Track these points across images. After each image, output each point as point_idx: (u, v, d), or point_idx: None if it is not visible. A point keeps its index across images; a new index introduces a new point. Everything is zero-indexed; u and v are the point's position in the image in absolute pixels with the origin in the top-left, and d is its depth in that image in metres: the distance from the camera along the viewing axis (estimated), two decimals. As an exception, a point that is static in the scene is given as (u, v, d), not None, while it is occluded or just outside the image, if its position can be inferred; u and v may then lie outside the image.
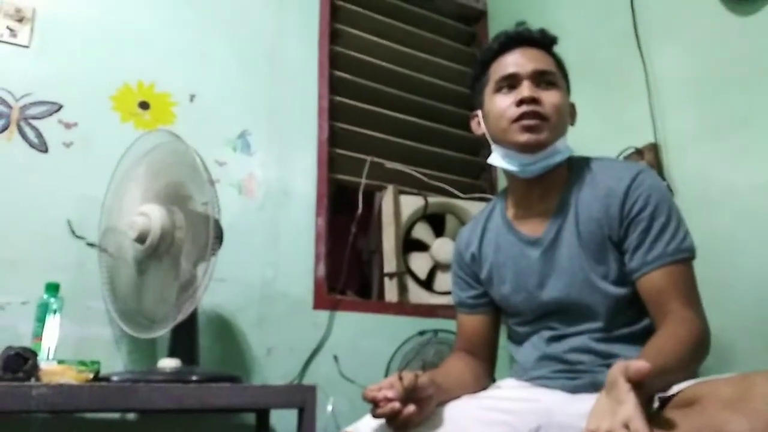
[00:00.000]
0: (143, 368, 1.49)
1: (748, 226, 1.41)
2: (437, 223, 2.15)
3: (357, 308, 1.91)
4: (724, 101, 1.52)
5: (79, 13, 1.71)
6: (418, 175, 2.15)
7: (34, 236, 1.51)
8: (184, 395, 1.21)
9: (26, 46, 1.62)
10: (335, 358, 1.79)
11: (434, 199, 2.13)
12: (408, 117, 2.20)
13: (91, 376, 1.23)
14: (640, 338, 1.02)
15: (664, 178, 1.60)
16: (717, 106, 1.54)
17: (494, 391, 1.12)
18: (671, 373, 0.85)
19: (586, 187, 1.10)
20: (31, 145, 1.57)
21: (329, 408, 1.70)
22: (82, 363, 1.26)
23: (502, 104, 1.11)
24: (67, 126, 1.62)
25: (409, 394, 0.92)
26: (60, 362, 1.25)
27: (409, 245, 2.09)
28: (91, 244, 1.56)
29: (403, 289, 2.01)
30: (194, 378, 1.29)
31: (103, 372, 1.31)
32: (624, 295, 1.04)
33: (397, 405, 0.90)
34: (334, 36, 2.15)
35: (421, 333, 1.87)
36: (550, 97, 1.09)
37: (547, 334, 1.10)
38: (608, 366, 0.99)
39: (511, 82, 1.11)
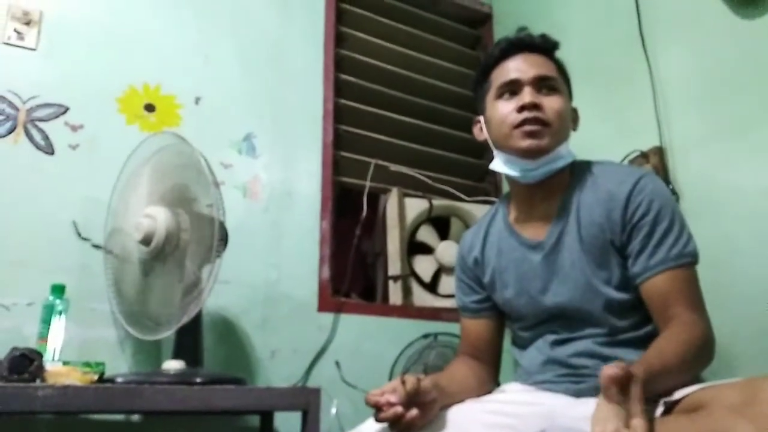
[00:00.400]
0: (148, 370, 1.49)
1: (754, 229, 1.40)
2: (442, 226, 2.15)
3: (361, 311, 1.91)
4: (730, 104, 1.52)
5: (85, 16, 1.72)
6: (423, 178, 2.15)
7: (39, 238, 1.52)
8: (189, 397, 1.21)
9: (33, 49, 1.63)
10: (337, 364, 1.79)
11: (439, 202, 2.13)
12: (413, 120, 2.20)
13: (96, 377, 1.24)
14: (644, 342, 1.01)
15: (669, 182, 1.60)
16: (722, 109, 1.53)
17: (498, 395, 1.11)
18: (672, 374, 0.84)
19: (587, 191, 1.09)
20: (38, 147, 1.58)
21: (333, 411, 1.70)
22: (87, 364, 1.27)
23: (503, 110, 1.11)
24: (74, 128, 1.63)
25: (412, 398, 0.91)
26: (65, 363, 1.26)
27: (414, 248, 2.09)
28: (96, 246, 1.56)
29: (407, 291, 2.01)
30: (198, 380, 1.29)
31: (108, 373, 1.31)
32: (627, 300, 1.03)
33: (399, 409, 0.89)
34: (339, 39, 2.16)
35: (425, 336, 1.86)
36: (551, 103, 1.09)
37: (551, 338, 1.09)
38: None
39: (512, 88, 1.11)
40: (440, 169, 2.22)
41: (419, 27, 2.35)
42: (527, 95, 1.08)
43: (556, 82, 1.12)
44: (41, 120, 1.60)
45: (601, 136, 1.77)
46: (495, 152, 1.16)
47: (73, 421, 1.45)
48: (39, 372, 1.16)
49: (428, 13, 2.41)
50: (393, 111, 2.17)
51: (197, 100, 1.82)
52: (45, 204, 1.54)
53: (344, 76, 2.12)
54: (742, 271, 1.40)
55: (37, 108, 1.60)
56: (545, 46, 1.15)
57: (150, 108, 1.76)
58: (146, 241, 1.38)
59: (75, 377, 1.20)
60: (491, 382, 1.20)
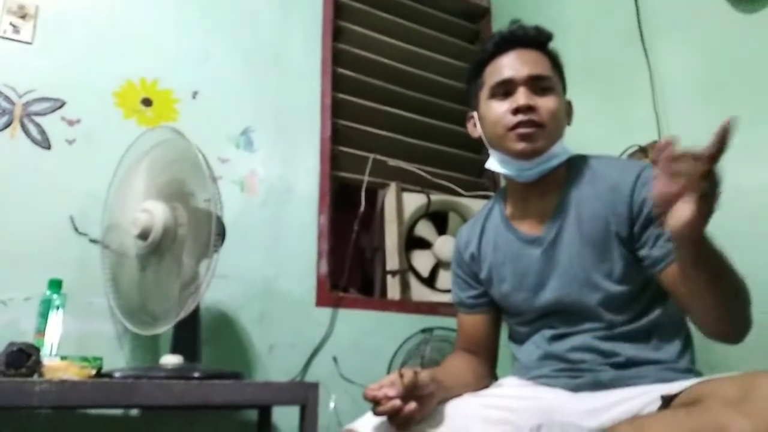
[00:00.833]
0: (145, 364, 1.49)
1: (754, 227, 1.40)
2: (440, 220, 2.15)
3: (359, 306, 1.91)
4: (730, 100, 1.51)
5: (81, 9, 1.71)
6: (421, 173, 2.14)
7: (36, 232, 1.51)
8: (187, 392, 1.21)
9: (29, 43, 1.62)
10: (334, 359, 1.79)
11: (437, 197, 2.13)
12: (411, 114, 2.20)
13: (94, 372, 1.24)
14: (642, 335, 1.01)
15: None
16: (722, 105, 1.53)
17: (496, 389, 1.12)
18: (725, 268, 0.84)
19: (586, 186, 1.09)
20: (34, 141, 1.57)
21: (331, 405, 1.70)
22: (85, 359, 1.27)
23: (497, 111, 1.10)
24: (70, 123, 1.62)
25: (410, 392, 0.92)
26: (63, 358, 1.26)
27: (412, 243, 2.09)
28: (93, 241, 1.56)
29: (405, 286, 2.01)
30: (196, 375, 1.29)
31: (106, 368, 1.31)
32: (625, 293, 1.03)
33: (397, 403, 0.90)
34: (337, 33, 2.15)
35: (423, 331, 1.87)
36: (546, 103, 1.08)
37: (548, 333, 1.09)
38: (610, 365, 1.00)
39: (506, 88, 1.10)
40: (438, 164, 2.21)
41: (417, 21, 2.34)
42: (521, 97, 1.07)
43: (550, 81, 1.10)
44: (38, 114, 1.59)
45: (600, 132, 1.77)
46: (490, 150, 1.16)
47: (71, 416, 1.45)
48: (36, 367, 1.16)
49: (427, 8, 2.40)
50: (391, 105, 2.17)
51: (194, 95, 1.82)
52: (42, 199, 1.54)
53: (342, 71, 2.11)
54: (742, 267, 1.39)
55: (34, 102, 1.59)
56: (539, 40, 1.13)
57: (147, 102, 1.75)
58: (143, 235, 1.38)
59: (73, 372, 1.19)
60: (488, 376, 1.20)
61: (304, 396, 1.33)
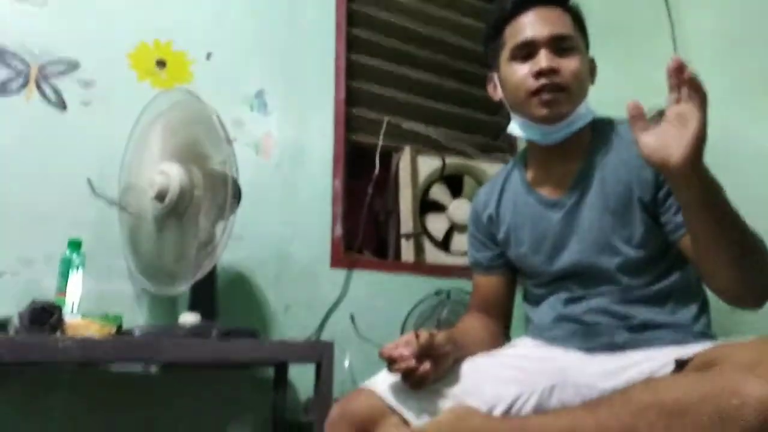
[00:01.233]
0: (164, 323, 1.52)
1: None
2: (455, 184, 2.14)
3: (373, 267, 1.92)
4: (754, 61, 1.47)
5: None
6: (436, 136, 2.12)
7: (56, 194, 1.53)
8: (205, 350, 1.24)
9: (43, 4, 1.61)
10: (352, 317, 1.81)
11: (452, 160, 2.11)
12: (426, 76, 2.17)
13: (114, 329, 1.26)
14: (658, 299, 1.01)
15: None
16: (746, 66, 1.49)
17: (510, 349, 1.13)
18: (729, 209, 0.84)
19: (611, 151, 1.08)
20: (50, 103, 1.57)
21: (346, 363, 1.73)
22: (105, 317, 1.29)
23: (519, 74, 1.07)
24: (85, 84, 1.62)
25: (425, 352, 0.93)
26: (83, 316, 1.28)
27: (426, 206, 2.09)
28: (111, 202, 1.57)
29: (419, 249, 2.02)
30: (214, 333, 1.31)
31: (125, 326, 1.34)
32: (644, 258, 1.03)
33: (413, 362, 0.91)
34: (351, -7, 2.11)
35: (437, 293, 1.88)
36: (568, 65, 1.05)
37: (564, 295, 1.10)
38: (625, 327, 1.00)
39: (527, 50, 1.07)
40: (454, 126, 2.19)
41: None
42: (543, 59, 1.04)
43: (573, 40, 1.07)
44: (53, 76, 1.59)
45: (622, 93, 1.72)
46: (511, 114, 1.14)
47: (92, 373, 1.49)
48: (59, 324, 1.18)
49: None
50: (406, 66, 2.14)
51: (209, 56, 1.80)
52: (60, 160, 1.55)
53: (356, 31, 2.08)
54: (764, 231, 1.38)
55: (49, 64, 1.58)
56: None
57: (161, 64, 1.74)
58: (160, 197, 1.38)
59: (93, 330, 1.22)
60: (502, 336, 1.21)
61: (319, 354, 1.35)
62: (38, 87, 1.57)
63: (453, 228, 2.09)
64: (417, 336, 0.93)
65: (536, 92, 1.05)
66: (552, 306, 1.11)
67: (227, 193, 1.33)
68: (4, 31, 1.55)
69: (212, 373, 1.62)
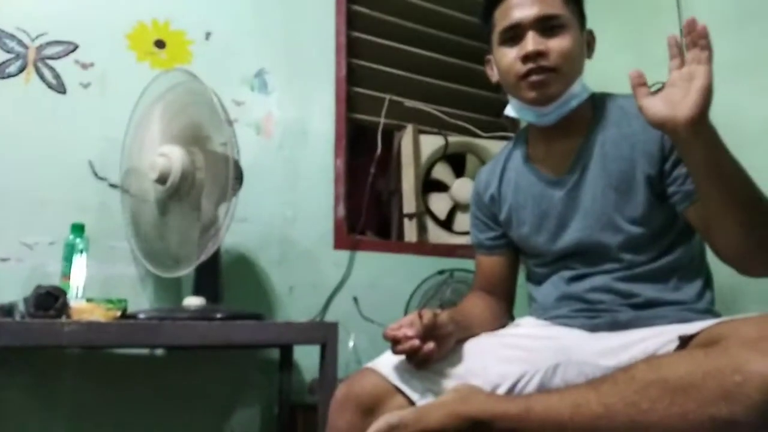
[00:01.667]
0: (169, 306, 1.53)
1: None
2: (457, 162, 2.13)
3: (377, 248, 1.92)
4: (759, 34, 1.45)
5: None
6: (439, 114, 2.11)
7: (57, 177, 1.53)
8: (210, 332, 1.25)
9: (39, -16, 1.59)
10: (355, 299, 1.82)
11: (455, 139, 2.10)
12: (428, 53, 2.14)
13: (119, 313, 1.27)
14: (660, 275, 1.01)
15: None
16: (751, 39, 1.47)
17: (513, 329, 1.13)
18: (735, 166, 0.84)
19: (613, 127, 1.06)
20: (50, 86, 1.56)
21: (350, 344, 1.74)
22: (110, 301, 1.30)
23: (508, 59, 1.07)
24: (84, 66, 1.61)
25: (429, 332, 0.93)
26: (88, 300, 1.29)
27: (429, 186, 2.08)
28: (113, 185, 1.57)
29: (422, 229, 2.01)
30: (219, 315, 1.32)
31: (130, 310, 1.34)
32: (646, 235, 1.02)
33: (416, 342, 0.91)
34: (351, -31, 2.08)
35: (440, 272, 1.88)
36: (557, 45, 1.03)
37: (567, 274, 1.09)
38: (629, 305, 1.00)
39: (515, 32, 1.05)
40: (456, 104, 2.17)
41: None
42: (530, 42, 1.03)
43: (561, 18, 1.04)
44: (51, 58, 1.57)
45: (625, 67, 1.70)
46: (508, 96, 1.13)
47: (98, 356, 1.50)
48: (64, 309, 1.19)
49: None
50: (407, 44, 2.11)
51: (207, 36, 1.78)
52: (60, 143, 1.54)
53: (357, 8, 2.05)
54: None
55: (47, 46, 1.57)
56: None
57: (160, 44, 1.72)
58: (162, 180, 1.38)
59: (99, 313, 1.23)
60: (505, 316, 1.21)
61: (323, 335, 1.35)
62: (36, 69, 1.55)
63: (456, 207, 2.09)
64: (420, 316, 0.93)
65: (524, 76, 1.04)
66: (555, 285, 1.11)
67: (229, 175, 1.32)
68: (0, 14, 1.53)
69: (218, 355, 1.64)
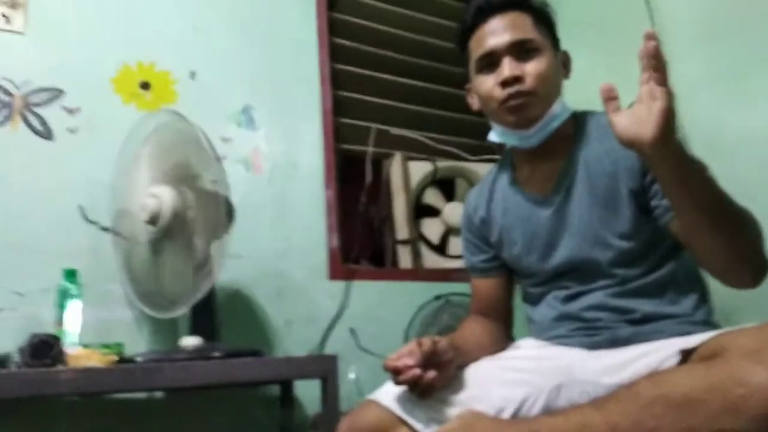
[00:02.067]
0: (166, 347, 1.51)
1: (762, 171, 1.39)
2: (447, 187, 2.15)
3: (372, 277, 1.92)
4: (733, 45, 1.49)
5: (71, -3, 1.69)
6: (425, 140, 2.13)
7: (48, 223, 1.52)
8: (208, 372, 1.23)
9: (21, 33, 1.60)
10: (352, 331, 1.81)
11: (443, 164, 2.12)
12: (412, 81, 2.17)
13: (116, 358, 1.26)
14: (654, 290, 1.01)
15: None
16: (726, 50, 1.51)
17: (513, 351, 1.12)
18: (709, 184, 0.85)
19: (594, 143, 1.08)
20: (37, 133, 1.56)
21: (351, 376, 1.72)
22: (106, 346, 1.29)
23: (486, 86, 1.08)
24: (71, 112, 1.61)
25: (429, 360, 0.93)
26: (84, 346, 1.27)
27: (421, 211, 2.09)
28: (104, 229, 1.56)
29: (416, 255, 2.02)
30: (217, 354, 1.31)
31: (127, 353, 1.33)
32: (636, 249, 1.02)
33: (417, 371, 0.91)
34: (332, 2, 2.11)
35: (437, 298, 1.88)
36: (533, 68, 1.05)
37: (562, 293, 1.09)
38: (627, 321, 1.00)
39: (490, 60, 1.07)
40: (442, 130, 2.19)
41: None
42: (506, 68, 1.05)
43: (534, 42, 1.06)
44: (37, 105, 1.58)
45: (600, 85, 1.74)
46: (490, 122, 1.15)
47: (96, 402, 1.48)
48: (60, 356, 1.17)
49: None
50: (390, 73, 2.14)
51: (192, 75, 1.80)
52: (50, 189, 1.54)
53: (339, 40, 2.08)
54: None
55: (32, 93, 1.58)
56: (515, 1, 1.09)
57: (145, 86, 1.73)
58: (153, 220, 1.38)
59: (95, 359, 1.21)
60: (505, 338, 1.21)
61: (324, 369, 1.34)
62: (23, 117, 1.56)
63: (449, 231, 2.09)
64: (419, 344, 0.93)
65: (504, 101, 1.06)
66: (551, 305, 1.11)
67: (220, 212, 1.33)
68: (-16, 65, 1.54)
69: (218, 395, 1.61)
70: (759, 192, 1.38)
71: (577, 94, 1.12)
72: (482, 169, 2.11)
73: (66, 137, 1.59)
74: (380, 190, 2.09)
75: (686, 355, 0.82)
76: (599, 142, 1.07)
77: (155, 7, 1.79)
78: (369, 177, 1.99)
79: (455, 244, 2.07)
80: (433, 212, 2.10)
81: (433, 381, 0.92)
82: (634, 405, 0.71)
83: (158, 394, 1.57)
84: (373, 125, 2.04)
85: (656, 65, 0.81)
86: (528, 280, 1.18)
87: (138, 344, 1.53)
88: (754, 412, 0.63)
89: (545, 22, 1.11)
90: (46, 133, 1.58)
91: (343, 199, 1.98)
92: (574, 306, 1.07)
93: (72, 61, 1.64)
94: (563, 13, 1.16)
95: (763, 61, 1.42)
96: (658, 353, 0.90)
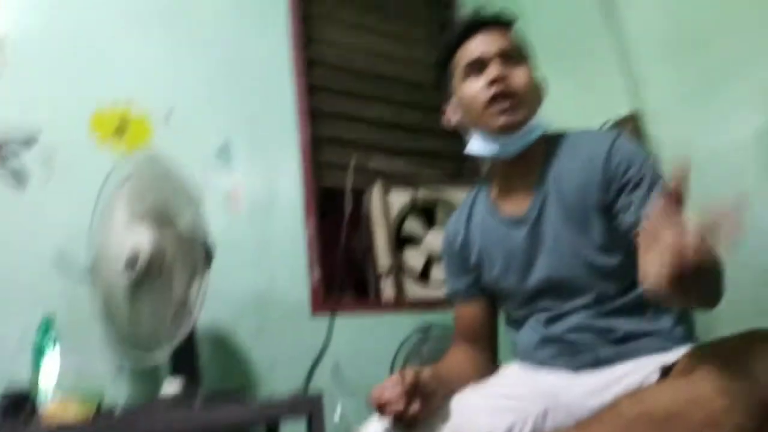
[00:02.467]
0: (147, 393, 1.48)
1: (733, 188, 1.41)
2: (428, 214, 2.15)
3: (355, 309, 1.90)
4: (699, 63, 1.52)
5: (46, 40, 1.68)
6: (404, 169, 2.14)
7: (23, 272, 1.49)
8: (191, 418, 1.20)
9: (-6, 80, 1.60)
10: (335, 368, 1.78)
11: (422, 192, 2.13)
12: (387, 112, 2.20)
13: (94, 409, 1.22)
14: (635, 308, 1.01)
15: (646, 146, 1.60)
16: (692, 69, 1.54)
17: (499, 378, 1.11)
18: (713, 269, 0.76)
19: (564, 159, 1.10)
20: (10, 180, 1.55)
21: (337, 413, 1.69)
22: (84, 396, 1.25)
23: (473, 88, 1.11)
24: (45, 158, 1.60)
25: (413, 392, 0.91)
26: (62, 397, 1.24)
27: (402, 240, 2.09)
28: (81, 275, 1.54)
29: (399, 285, 2.01)
30: (198, 400, 1.28)
31: (107, 401, 1.30)
32: (613, 264, 1.03)
33: (402, 404, 0.89)
34: (305, 37, 2.14)
35: (422, 328, 1.86)
36: (519, 75, 1.10)
37: (543, 316, 1.09)
38: (608, 341, 1.00)
39: (478, 66, 1.11)
40: (420, 159, 2.21)
41: (385, 15, 2.34)
42: (494, 69, 1.09)
43: (520, 54, 1.13)
44: (11, 153, 1.57)
45: (576, 109, 1.77)
46: (470, 133, 1.16)
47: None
48: (34, 413, 1.14)
49: (393, 1, 2.40)
50: (366, 104, 2.16)
51: (168, 115, 1.80)
52: (24, 237, 1.52)
53: (314, 74, 2.10)
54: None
55: (5, 142, 1.56)
56: (502, 20, 1.16)
57: (121, 129, 1.73)
58: (131, 264, 1.36)
59: (72, 412, 1.18)
60: (490, 365, 1.19)
61: (309, 407, 1.32)
62: (-3, 164, 1.54)
63: (431, 260, 2.09)
64: (403, 376, 0.92)
65: (492, 101, 1.08)
66: (533, 328, 1.11)
67: (198, 253, 1.31)
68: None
69: (202, 439, 1.57)
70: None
71: (544, 114, 1.14)
72: (461, 196, 2.12)
73: (40, 183, 1.58)
74: (361, 221, 2.10)
75: (666, 371, 0.82)
76: (569, 158, 1.09)
77: (129, 51, 1.80)
78: (349, 209, 1.98)
79: (438, 272, 2.07)
80: (415, 241, 2.10)
81: (417, 413, 0.90)
82: (617, 424, 0.71)
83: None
84: (352, 157, 2.05)
85: (673, 212, 0.69)
86: (509, 302, 1.17)
87: (119, 389, 1.49)
88: (737, 424, 0.63)
89: (526, 47, 1.18)
90: (19, 181, 1.56)
91: (324, 233, 1.97)
92: (557, 328, 1.07)
93: (47, 106, 1.63)
94: (529, 32, 1.20)
95: (729, 77, 1.45)
96: (640, 372, 0.90)
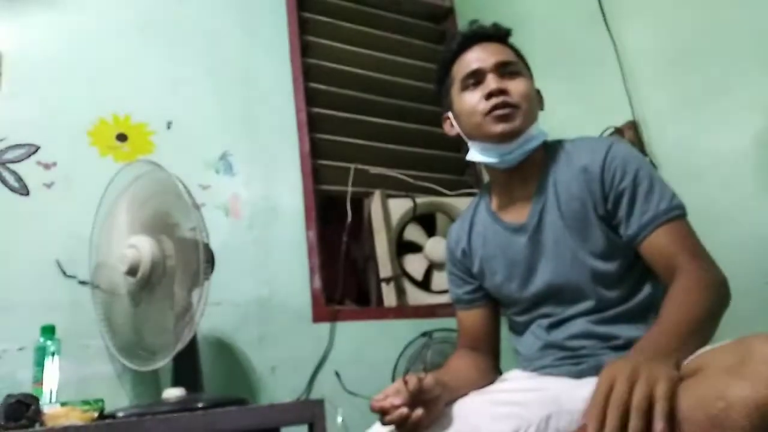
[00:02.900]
0: (148, 400, 1.48)
1: (732, 194, 1.42)
2: (428, 222, 2.16)
3: (356, 317, 1.90)
4: (698, 71, 1.53)
5: (47, 51, 1.70)
6: (404, 178, 2.15)
7: (24, 280, 1.49)
8: (192, 424, 1.20)
9: (-4, 91, 1.61)
10: (337, 374, 1.78)
11: (422, 200, 2.13)
12: (387, 120, 2.21)
13: (96, 414, 1.22)
14: (636, 315, 1.02)
15: (646, 154, 1.61)
16: (691, 76, 1.55)
17: (501, 384, 1.11)
18: (699, 328, 0.86)
19: (562, 167, 1.11)
20: (12, 189, 1.56)
21: (339, 420, 1.69)
22: (86, 402, 1.25)
23: (471, 100, 1.12)
24: (46, 166, 1.61)
25: (416, 398, 0.92)
26: (63, 404, 1.24)
27: (403, 248, 2.09)
28: (83, 282, 1.54)
29: (401, 292, 2.01)
30: (200, 405, 1.28)
31: (108, 408, 1.29)
32: (613, 271, 1.04)
33: (404, 410, 0.90)
34: (305, 48, 2.16)
35: (424, 334, 1.86)
36: (516, 86, 1.11)
37: (545, 322, 1.10)
38: (610, 348, 1.00)
39: (476, 78, 1.13)
40: (420, 167, 2.22)
41: (383, 28, 2.36)
42: (492, 82, 1.10)
43: (518, 65, 1.14)
44: (12, 162, 1.57)
45: (574, 118, 1.78)
46: (469, 143, 1.17)
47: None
48: (36, 417, 1.14)
49: (390, 13, 2.42)
50: (366, 114, 2.18)
51: (169, 125, 1.81)
52: (26, 245, 1.52)
53: (314, 85, 2.12)
54: (722, 236, 1.40)
55: (7, 150, 1.57)
56: (499, 34, 1.17)
57: (122, 138, 1.74)
58: (132, 271, 1.36)
59: (75, 416, 1.18)
60: (492, 371, 1.20)
61: (310, 414, 1.32)
62: (-2, 174, 1.55)
63: (432, 267, 2.10)
64: (405, 382, 0.92)
65: (490, 111, 1.09)
66: (535, 334, 1.11)
67: (200, 260, 1.32)
68: (-42, 123, 1.54)
69: (203, 446, 1.57)
70: (727, 211, 1.42)
71: (544, 123, 1.15)
72: (461, 204, 2.13)
73: (42, 192, 1.59)
74: (362, 229, 2.10)
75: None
76: (567, 167, 1.10)
77: (130, 60, 1.81)
78: (350, 216, 1.99)
79: (439, 279, 2.07)
80: (416, 248, 2.10)
81: (420, 419, 0.90)
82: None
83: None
84: (352, 165, 2.06)
85: None
86: (511, 308, 1.18)
87: (120, 398, 1.49)
88: (737, 426, 0.63)
89: (523, 59, 1.19)
90: (21, 189, 1.57)
91: (325, 241, 1.98)
92: (558, 335, 1.07)
93: (48, 117, 1.65)
94: (527, 41, 1.21)
95: (726, 87, 1.46)
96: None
